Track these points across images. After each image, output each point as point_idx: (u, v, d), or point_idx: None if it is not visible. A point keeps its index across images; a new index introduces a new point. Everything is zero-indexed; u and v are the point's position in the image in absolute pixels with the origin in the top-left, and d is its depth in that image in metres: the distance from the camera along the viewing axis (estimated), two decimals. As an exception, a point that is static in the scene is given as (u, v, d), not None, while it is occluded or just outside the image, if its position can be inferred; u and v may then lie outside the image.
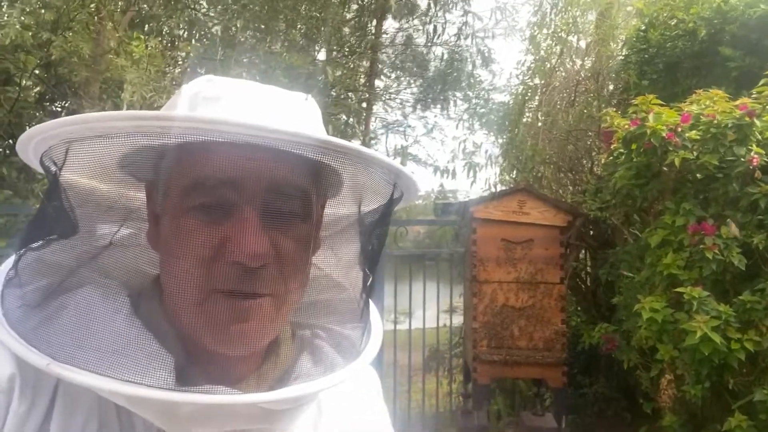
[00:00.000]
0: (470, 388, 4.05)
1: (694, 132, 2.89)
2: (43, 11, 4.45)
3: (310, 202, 0.60)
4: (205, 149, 0.54)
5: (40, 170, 0.59)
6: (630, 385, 4.03)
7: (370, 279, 0.67)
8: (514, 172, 6.52)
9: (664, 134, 2.87)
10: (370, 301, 0.69)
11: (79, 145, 0.54)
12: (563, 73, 6.47)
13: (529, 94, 6.76)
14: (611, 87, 5.96)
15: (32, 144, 0.55)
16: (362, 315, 0.67)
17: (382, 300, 4.01)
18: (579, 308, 5.02)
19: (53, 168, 0.56)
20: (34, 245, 0.57)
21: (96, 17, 4.54)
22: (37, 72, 4.91)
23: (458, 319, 4.87)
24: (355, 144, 0.56)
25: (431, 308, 4.56)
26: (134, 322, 0.55)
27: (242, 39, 5.54)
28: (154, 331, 0.55)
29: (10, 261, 0.58)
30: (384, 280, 4.03)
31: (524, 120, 6.70)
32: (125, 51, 4.12)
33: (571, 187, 5.86)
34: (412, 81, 7.89)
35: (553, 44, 6.57)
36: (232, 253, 0.54)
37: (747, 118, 2.77)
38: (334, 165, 0.57)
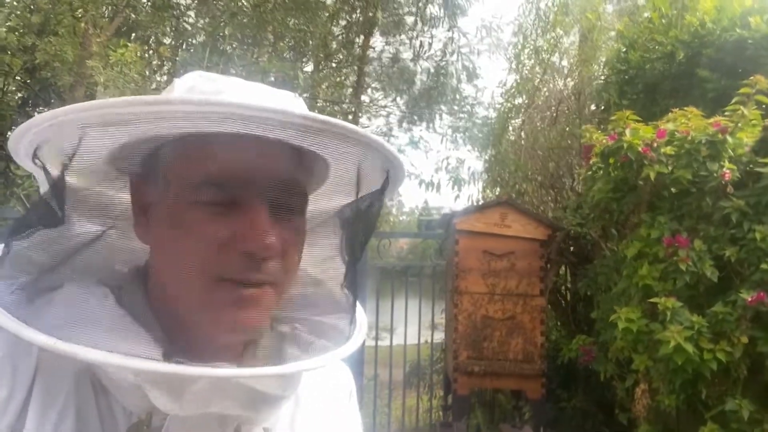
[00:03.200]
0: (450, 399, 4.05)
1: (669, 147, 2.96)
2: (29, 15, 4.44)
3: (307, 195, 0.63)
4: (219, 142, 0.54)
5: (28, 167, 0.58)
6: (608, 400, 4.05)
7: (355, 270, 0.68)
8: (497, 188, 6.60)
9: (640, 149, 2.94)
10: (356, 293, 0.70)
11: (90, 133, 0.53)
12: (546, 92, 6.59)
13: (512, 112, 6.87)
14: (592, 106, 6.08)
15: (30, 134, 0.54)
16: (348, 306, 0.68)
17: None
18: (558, 323, 5.06)
19: (50, 163, 0.55)
20: (23, 238, 0.56)
21: (83, 23, 4.53)
22: (19, 77, 4.87)
23: (439, 336, 4.86)
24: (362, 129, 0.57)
25: (413, 324, 4.56)
26: (122, 311, 0.56)
27: (228, 49, 5.57)
28: (140, 321, 0.56)
29: None
30: (366, 296, 4.02)
31: (507, 137, 6.80)
32: (105, 54, 4.10)
33: (552, 204, 5.94)
34: (397, 96, 7.98)
35: (536, 64, 6.70)
36: (243, 244, 0.55)
37: (720, 135, 2.85)
38: (340, 152, 0.58)
